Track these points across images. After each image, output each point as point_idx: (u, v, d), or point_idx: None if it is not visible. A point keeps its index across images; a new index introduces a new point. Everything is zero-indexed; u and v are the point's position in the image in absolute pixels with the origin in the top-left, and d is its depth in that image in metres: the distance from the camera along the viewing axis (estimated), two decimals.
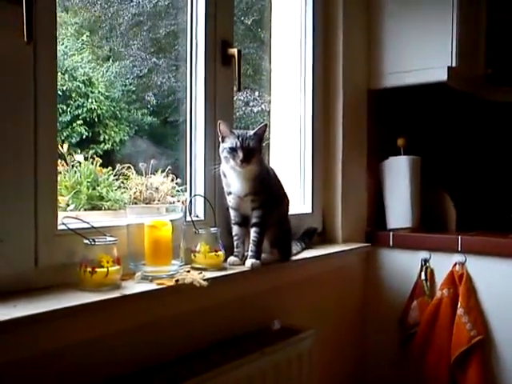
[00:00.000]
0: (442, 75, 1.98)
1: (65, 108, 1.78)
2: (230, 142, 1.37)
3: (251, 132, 1.39)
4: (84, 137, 1.80)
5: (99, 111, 1.86)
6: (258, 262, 1.38)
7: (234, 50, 1.55)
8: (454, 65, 1.98)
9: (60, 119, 1.70)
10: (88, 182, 1.42)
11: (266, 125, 1.41)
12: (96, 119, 1.85)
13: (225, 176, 1.43)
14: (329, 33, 2.06)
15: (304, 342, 1.50)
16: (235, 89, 1.60)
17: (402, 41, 2.11)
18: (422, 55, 2.05)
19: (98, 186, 1.40)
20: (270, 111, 2.07)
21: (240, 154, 1.34)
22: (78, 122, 1.79)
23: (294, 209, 1.78)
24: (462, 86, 2.12)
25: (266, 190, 1.43)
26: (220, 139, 1.41)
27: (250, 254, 1.39)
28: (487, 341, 1.84)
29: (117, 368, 1.14)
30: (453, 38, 1.99)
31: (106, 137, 1.87)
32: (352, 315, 2.11)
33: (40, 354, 0.97)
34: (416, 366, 1.92)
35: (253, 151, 1.36)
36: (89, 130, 1.82)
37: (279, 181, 1.54)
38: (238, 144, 1.34)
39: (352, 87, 2.10)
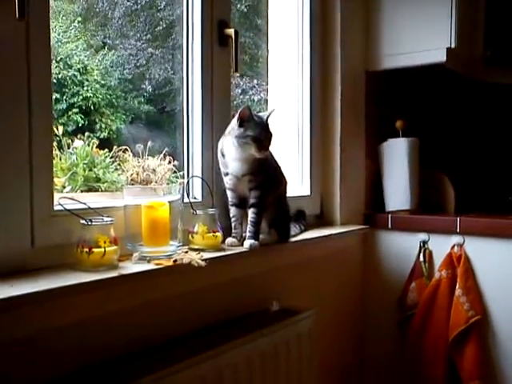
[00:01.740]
0: (440, 56, 1.96)
1: (60, 96, 1.77)
2: (252, 130, 1.35)
3: (265, 117, 1.40)
4: (80, 125, 1.79)
5: (95, 99, 1.85)
6: (256, 242, 1.38)
7: (231, 31, 1.53)
8: (452, 46, 1.96)
9: (55, 107, 1.68)
10: (84, 163, 1.41)
11: (274, 110, 1.43)
12: (92, 107, 1.84)
13: (223, 156, 1.42)
14: (326, 14, 2.03)
15: (303, 323, 1.50)
16: (232, 70, 1.58)
17: (401, 22, 2.09)
18: (421, 36, 2.03)
19: (94, 167, 1.39)
20: (267, 100, 2.06)
21: (266, 144, 1.37)
22: (74, 110, 1.78)
23: (292, 191, 1.77)
24: (460, 67, 2.10)
25: (264, 171, 1.42)
26: (237, 122, 1.37)
27: (248, 234, 1.39)
28: (485, 321, 1.85)
29: (114, 348, 1.14)
30: (452, 19, 1.97)
31: (103, 125, 1.85)
32: (351, 297, 2.11)
33: (36, 334, 0.97)
34: (414, 347, 1.92)
35: (272, 139, 1.39)
36: (85, 118, 1.81)
37: (276, 162, 1.53)
38: (263, 134, 1.36)
39: (350, 69, 2.08)
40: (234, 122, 1.38)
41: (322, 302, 1.86)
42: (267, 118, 1.40)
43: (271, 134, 1.39)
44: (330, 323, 1.92)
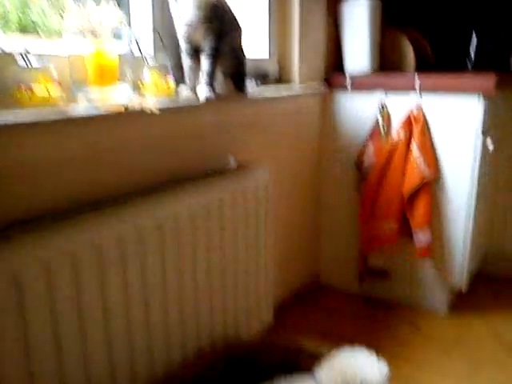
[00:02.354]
0: None
1: None
2: None
3: None
4: None
5: None
6: (211, 92, 1.32)
7: None
8: None
9: None
10: (18, 10, 1.27)
11: None
12: None
13: (176, 1, 1.31)
14: None
15: (259, 176, 1.50)
16: None
17: None
18: None
19: (28, 9, 1.25)
20: None
21: None
22: None
23: (249, 54, 1.68)
24: None
25: (218, 18, 1.33)
26: None
27: (202, 82, 1.32)
28: (438, 178, 1.90)
29: (63, 199, 1.10)
30: None
31: None
32: (309, 157, 2.11)
33: None
34: (371, 204, 1.98)
35: None
36: None
37: (231, 10, 1.42)
38: None
39: None
40: None
41: (280, 160, 1.86)
42: None
43: None
44: (286, 182, 1.94)
